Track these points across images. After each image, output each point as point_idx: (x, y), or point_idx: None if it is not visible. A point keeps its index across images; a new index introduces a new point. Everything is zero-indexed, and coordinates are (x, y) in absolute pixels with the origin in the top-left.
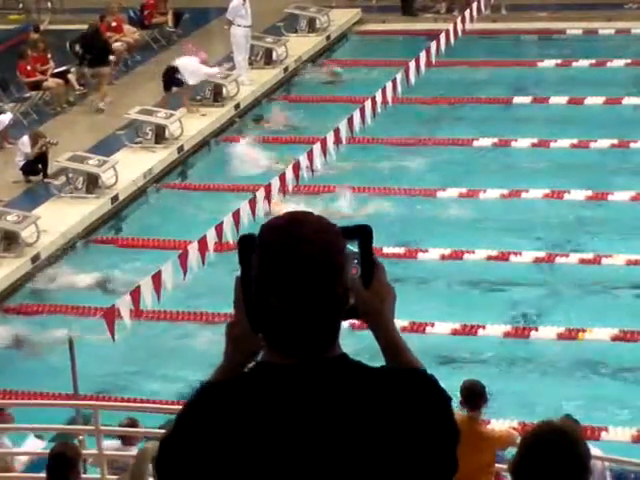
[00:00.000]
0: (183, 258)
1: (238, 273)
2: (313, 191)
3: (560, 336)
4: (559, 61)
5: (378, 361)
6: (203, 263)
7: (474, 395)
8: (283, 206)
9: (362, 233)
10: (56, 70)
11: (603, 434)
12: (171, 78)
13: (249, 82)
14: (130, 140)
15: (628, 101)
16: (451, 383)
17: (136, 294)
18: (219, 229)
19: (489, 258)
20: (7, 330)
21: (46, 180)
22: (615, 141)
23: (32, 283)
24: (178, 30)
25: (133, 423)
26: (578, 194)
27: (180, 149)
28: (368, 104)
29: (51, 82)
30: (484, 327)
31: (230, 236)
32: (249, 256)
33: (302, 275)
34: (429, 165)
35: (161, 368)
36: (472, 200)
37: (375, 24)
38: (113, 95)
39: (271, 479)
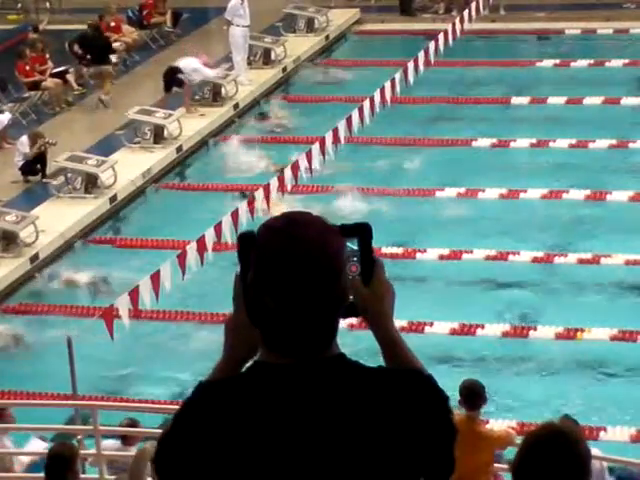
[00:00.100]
0: (182, 258)
1: (238, 270)
2: (312, 191)
3: (558, 336)
4: (557, 61)
5: (377, 361)
6: (202, 263)
7: (473, 395)
8: (282, 206)
9: (362, 231)
10: (55, 70)
11: (602, 434)
12: (172, 78)
13: (248, 82)
14: (129, 140)
15: (626, 101)
16: (449, 382)
17: (135, 294)
18: (218, 229)
19: (488, 258)
20: (6, 330)
21: (45, 180)
22: (614, 141)
23: (31, 283)
24: (177, 30)
25: (134, 423)
26: (577, 194)
27: (179, 149)
28: (367, 104)
29: (50, 82)
30: (483, 327)
31: (229, 236)
32: (249, 253)
33: (299, 276)
34: (427, 165)
35: (160, 368)
36: (471, 200)
37: (374, 24)
38: (112, 95)
39: (268, 478)
